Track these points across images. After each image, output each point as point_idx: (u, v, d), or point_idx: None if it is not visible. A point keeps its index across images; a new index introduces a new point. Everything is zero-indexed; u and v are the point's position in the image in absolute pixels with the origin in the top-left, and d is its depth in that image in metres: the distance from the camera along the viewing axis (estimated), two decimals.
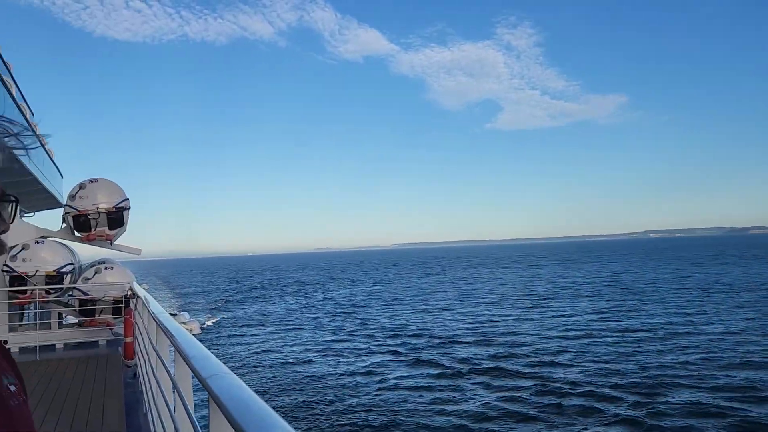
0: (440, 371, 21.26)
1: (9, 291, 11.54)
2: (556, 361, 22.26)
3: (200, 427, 2.50)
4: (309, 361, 24.51)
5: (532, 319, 34.00)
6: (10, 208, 1.06)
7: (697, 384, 18.18)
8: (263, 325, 37.43)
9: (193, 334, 3.41)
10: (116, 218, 12.30)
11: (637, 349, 23.81)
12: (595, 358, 22.47)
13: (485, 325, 32.62)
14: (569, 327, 30.48)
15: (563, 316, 35.10)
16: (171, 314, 5.11)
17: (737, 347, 23.51)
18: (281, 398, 18.18)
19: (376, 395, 18.36)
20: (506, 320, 34.01)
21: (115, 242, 12.67)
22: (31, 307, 12.97)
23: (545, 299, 45.00)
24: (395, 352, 25.50)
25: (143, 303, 6.95)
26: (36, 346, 11.20)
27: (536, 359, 22.65)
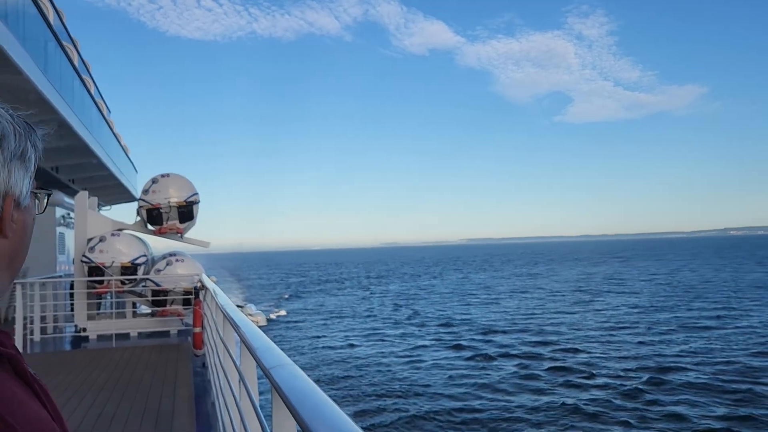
0: (473, 354, 23.70)
1: (87, 281, 12.14)
2: (581, 349, 24.21)
3: (264, 416, 2.57)
4: (367, 352, 25.43)
5: (571, 313, 35.70)
6: (44, 200, 1.08)
7: (702, 371, 19.70)
8: (326, 318, 38.32)
9: (260, 326, 3.51)
10: (186, 212, 12.74)
11: (660, 341, 25.53)
12: (619, 348, 24.32)
13: (525, 317, 34.46)
14: (603, 321, 32.22)
15: (602, 310, 36.69)
16: (238, 306, 5.26)
17: (759, 342, 24.49)
18: (342, 388, 18.76)
19: (430, 386, 18.99)
20: (546, 313, 35.99)
21: (185, 235, 13.14)
22: (108, 297, 13.61)
23: (591, 295, 46.54)
24: (451, 344, 26.52)
25: (211, 295, 7.18)
26: (112, 334, 11.75)
27: (563, 347, 24.72)
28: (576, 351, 23.77)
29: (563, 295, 47.07)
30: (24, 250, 0.95)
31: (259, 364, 2.43)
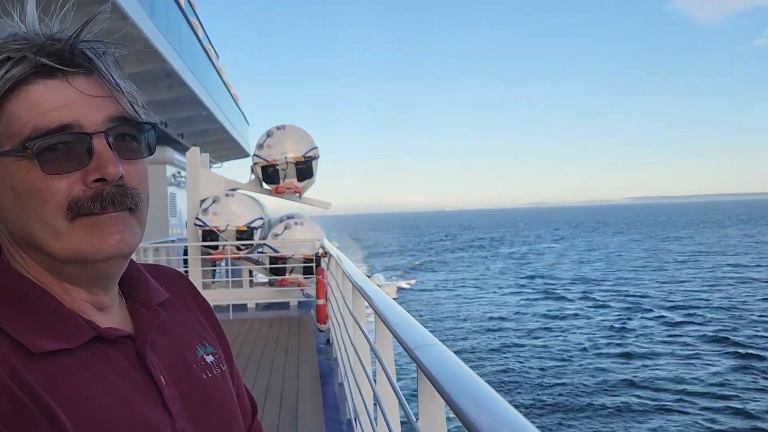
0: (628, 331, 24.17)
1: (202, 246, 12.94)
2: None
3: (405, 399, 2.66)
4: (510, 329, 26.07)
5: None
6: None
7: None
8: (461, 289, 39.16)
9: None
10: (305, 169, 13.17)
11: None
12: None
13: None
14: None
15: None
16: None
17: None
18: (485, 370, 19.31)
19: (582, 368, 19.35)
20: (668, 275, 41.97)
21: (303, 195, 13.65)
22: (223, 264, 14.47)
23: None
24: (597, 319, 27.10)
25: (336, 262, 7.45)
26: (229, 305, 12.48)
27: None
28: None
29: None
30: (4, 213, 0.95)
31: (401, 343, 2.52)
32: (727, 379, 17.51)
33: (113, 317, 1.01)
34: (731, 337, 22.53)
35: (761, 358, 19.48)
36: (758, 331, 23.60)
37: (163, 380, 0.97)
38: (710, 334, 23.37)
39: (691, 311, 28.24)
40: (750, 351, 20.41)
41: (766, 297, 31.35)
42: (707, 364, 19.25)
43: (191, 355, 1.08)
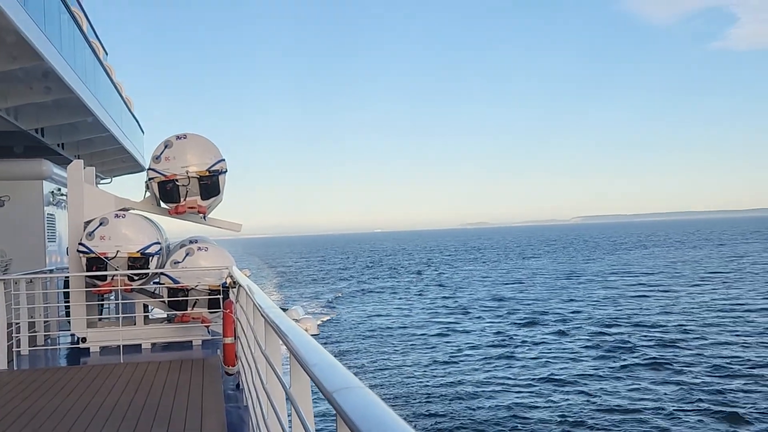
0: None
1: (87, 276, 12.60)
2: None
3: None
4: (444, 366, 27.58)
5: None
6: None
7: None
8: (390, 323, 40.30)
9: (311, 335, 3.60)
10: (210, 185, 13.00)
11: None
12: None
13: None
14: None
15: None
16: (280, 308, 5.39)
17: None
18: (413, 411, 19.60)
19: (515, 405, 21.02)
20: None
21: (209, 215, 13.47)
22: (111, 297, 14.09)
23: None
24: (538, 357, 29.49)
25: (246, 293, 7.37)
26: (119, 346, 12.14)
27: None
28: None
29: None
30: None
31: (319, 386, 2.50)
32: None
33: None
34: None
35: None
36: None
37: None
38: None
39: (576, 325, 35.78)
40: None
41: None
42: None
43: None
